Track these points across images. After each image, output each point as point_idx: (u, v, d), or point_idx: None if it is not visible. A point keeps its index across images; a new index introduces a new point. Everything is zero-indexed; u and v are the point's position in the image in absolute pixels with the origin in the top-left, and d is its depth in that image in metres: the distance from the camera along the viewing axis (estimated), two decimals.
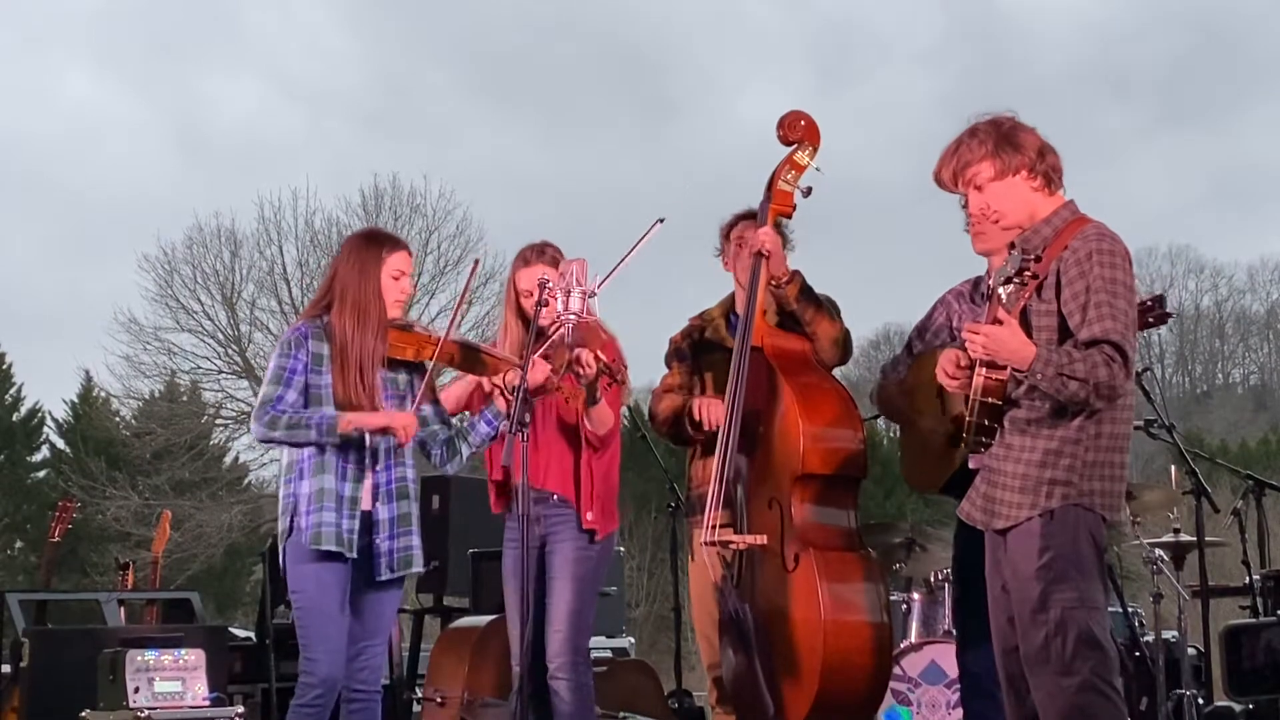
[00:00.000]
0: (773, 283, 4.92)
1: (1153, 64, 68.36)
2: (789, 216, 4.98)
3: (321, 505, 4.32)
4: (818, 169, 4.95)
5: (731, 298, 5.23)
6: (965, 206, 4.67)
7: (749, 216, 5.08)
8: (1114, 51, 66.60)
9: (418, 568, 4.51)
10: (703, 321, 5.21)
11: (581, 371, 4.45)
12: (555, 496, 4.74)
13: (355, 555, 4.35)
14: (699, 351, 5.17)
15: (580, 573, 4.72)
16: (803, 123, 4.95)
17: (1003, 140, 3.82)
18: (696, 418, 4.92)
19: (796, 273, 4.96)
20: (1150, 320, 4.75)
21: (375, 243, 4.52)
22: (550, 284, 4.42)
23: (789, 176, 4.94)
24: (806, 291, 4.97)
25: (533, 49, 58.76)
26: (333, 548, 4.30)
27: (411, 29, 58.32)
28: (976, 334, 3.63)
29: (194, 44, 53.41)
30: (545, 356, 4.49)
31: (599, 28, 61.51)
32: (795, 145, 4.96)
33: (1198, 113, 68.49)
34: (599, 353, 4.44)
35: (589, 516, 4.73)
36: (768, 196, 4.97)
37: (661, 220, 4.61)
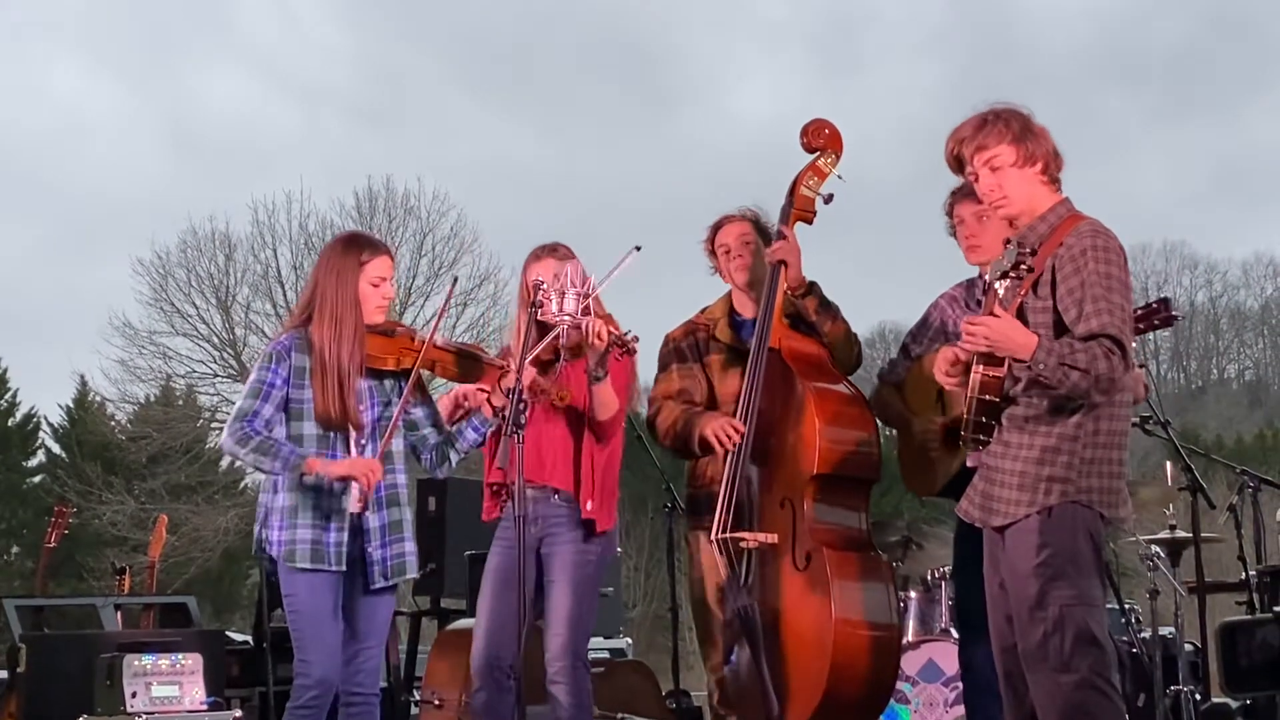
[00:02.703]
0: (789, 292, 4.93)
1: (1159, 51, 68.39)
2: (810, 222, 5.01)
3: (296, 522, 4.31)
4: (840, 177, 5.02)
5: (730, 298, 5.22)
6: (950, 213, 4.71)
7: (726, 221, 5.13)
8: (1119, 38, 66.58)
9: (412, 574, 4.51)
10: (707, 320, 5.20)
11: (594, 343, 4.44)
12: (556, 495, 4.73)
13: (344, 568, 4.34)
14: (701, 352, 5.16)
15: (580, 576, 4.71)
16: (826, 131, 5.02)
17: (1027, 129, 3.85)
18: (713, 445, 4.83)
19: (814, 284, 4.98)
20: (1156, 323, 4.76)
21: (353, 249, 4.47)
22: (545, 285, 4.42)
23: (811, 182, 5.00)
24: (824, 303, 4.99)
25: (530, 42, 58.74)
26: (308, 565, 4.30)
27: (406, 23, 58.30)
28: (976, 325, 3.63)
29: (185, 39, 53.24)
30: (545, 358, 4.50)
31: (597, 19, 61.47)
32: (818, 152, 5.02)
33: (1203, 102, 68.50)
34: (613, 326, 4.44)
35: (588, 506, 4.69)
36: (790, 201, 5.01)
37: (638, 248, 4.62)
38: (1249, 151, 65.60)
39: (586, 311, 4.44)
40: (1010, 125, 3.84)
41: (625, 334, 4.47)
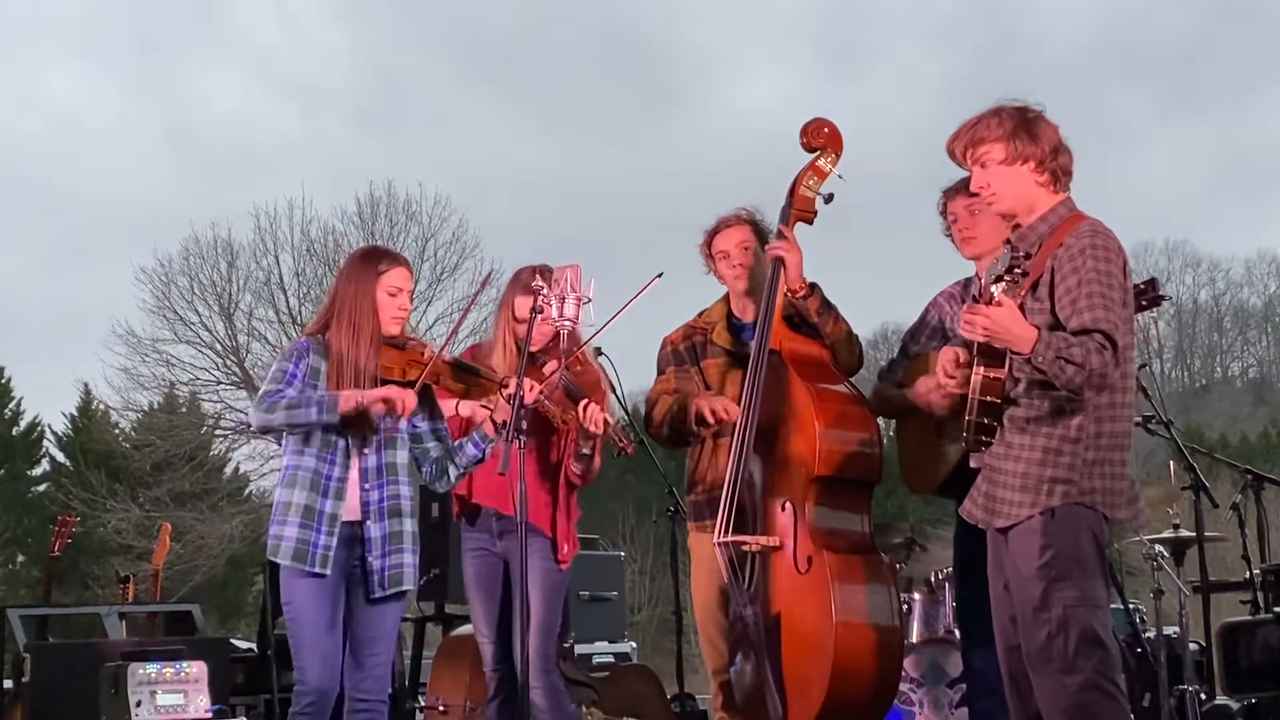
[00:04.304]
0: (791, 294, 4.94)
1: (1166, 42, 68.12)
2: (810, 223, 5.01)
3: (285, 519, 4.35)
4: (840, 176, 5.01)
5: (728, 300, 5.22)
6: (944, 213, 4.73)
7: (724, 226, 5.13)
8: (1124, 31, 66.34)
9: (408, 585, 4.51)
10: (705, 324, 5.21)
11: (589, 427, 4.50)
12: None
13: (328, 571, 4.34)
14: (699, 355, 5.17)
15: (549, 583, 4.81)
16: (826, 130, 5.01)
17: (1021, 128, 3.82)
18: (708, 419, 4.87)
19: (815, 285, 4.98)
20: (1144, 304, 4.75)
21: (372, 260, 4.55)
22: (545, 290, 4.43)
23: (811, 182, 5.00)
24: (826, 304, 4.99)
25: (531, 38, 58.63)
26: (288, 562, 4.32)
27: (405, 24, 58.26)
28: (976, 315, 3.60)
29: (183, 40, 53.26)
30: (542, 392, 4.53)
31: (597, 18, 61.41)
32: (818, 152, 5.01)
33: (1208, 97, 68.24)
34: (609, 417, 4.48)
35: (565, 549, 4.83)
36: (790, 201, 5.01)
37: (660, 275, 4.63)
38: (1251, 149, 65.55)
39: (578, 320, 4.46)
40: (1004, 122, 3.83)
41: (623, 430, 4.53)
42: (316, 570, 4.32)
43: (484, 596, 4.86)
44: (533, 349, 4.62)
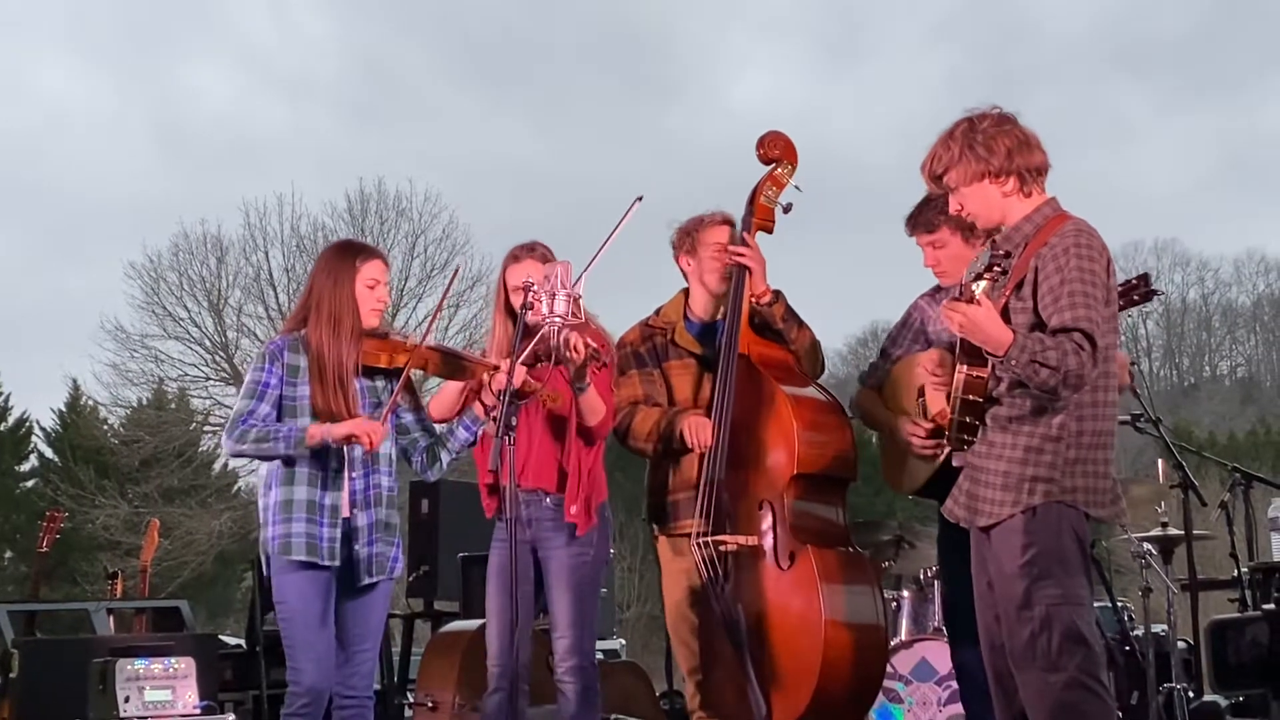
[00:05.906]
0: (755, 300, 4.98)
1: (1164, 39, 68.03)
2: (770, 231, 5.11)
3: (290, 515, 4.33)
4: (797, 187, 5.14)
5: (686, 298, 5.21)
6: (921, 244, 4.80)
7: (711, 222, 5.13)
8: (1126, 26, 66.24)
9: (395, 574, 4.52)
10: (664, 324, 5.20)
11: (571, 356, 4.45)
12: (548, 499, 4.74)
13: (337, 563, 4.34)
14: (660, 356, 5.16)
15: (576, 578, 4.73)
16: (781, 143, 5.14)
17: (967, 147, 3.82)
18: (690, 443, 4.88)
19: (779, 292, 5.02)
20: (1136, 298, 4.77)
21: (349, 253, 4.54)
22: (535, 286, 4.42)
23: (770, 192, 5.12)
24: (791, 311, 5.05)
25: (524, 32, 58.53)
26: (303, 557, 4.31)
27: (398, 19, 58.14)
28: (954, 311, 3.64)
29: (173, 35, 53.12)
30: (532, 359, 4.50)
31: (593, 7, 61.29)
32: (775, 163, 5.13)
33: (1204, 91, 68.17)
34: (588, 339, 4.45)
35: (572, 510, 4.72)
36: (750, 210, 5.11)
37: (640, 198, 4.67)
38: (1242, 148, 65.61)
39: (577, 312, 4.44)
40: (951, 147, 3.84)
41: (600, 349, 4.49)
42: (326, 562, 4.32)
43: (502, 587, 4.71)
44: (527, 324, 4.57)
